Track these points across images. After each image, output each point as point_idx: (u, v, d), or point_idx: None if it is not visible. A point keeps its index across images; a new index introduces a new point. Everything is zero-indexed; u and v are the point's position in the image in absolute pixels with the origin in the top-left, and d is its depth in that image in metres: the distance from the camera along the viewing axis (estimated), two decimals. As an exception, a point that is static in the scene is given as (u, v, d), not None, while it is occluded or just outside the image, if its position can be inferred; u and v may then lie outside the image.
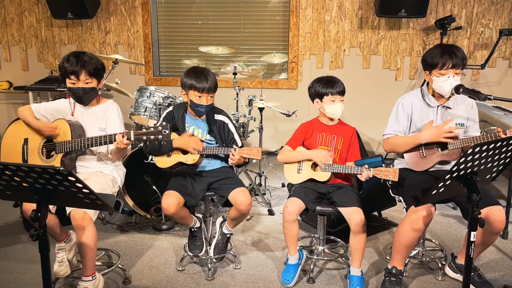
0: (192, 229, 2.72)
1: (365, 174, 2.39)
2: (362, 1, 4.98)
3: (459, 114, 2.54)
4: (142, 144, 3.21)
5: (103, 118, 2.51)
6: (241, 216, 2.60)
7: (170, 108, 2.70)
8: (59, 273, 2.40)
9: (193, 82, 2.52)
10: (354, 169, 2.45)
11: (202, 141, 2.61)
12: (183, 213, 2.57)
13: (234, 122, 2.73)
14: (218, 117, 2.68)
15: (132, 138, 2.25)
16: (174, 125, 2.64)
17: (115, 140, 2.28)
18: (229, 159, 2.51)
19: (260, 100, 3.92)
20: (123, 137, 2.25)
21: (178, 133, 2.61)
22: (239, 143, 2.68)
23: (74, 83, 2.39)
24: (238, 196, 2.49)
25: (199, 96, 2.54)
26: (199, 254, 2.71)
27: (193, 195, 2.55)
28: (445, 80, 2.41)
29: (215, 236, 2.75)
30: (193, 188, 2.56)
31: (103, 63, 2.49)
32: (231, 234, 2.75)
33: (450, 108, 2.53)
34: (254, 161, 2.44)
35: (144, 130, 2.24)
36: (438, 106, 2.53)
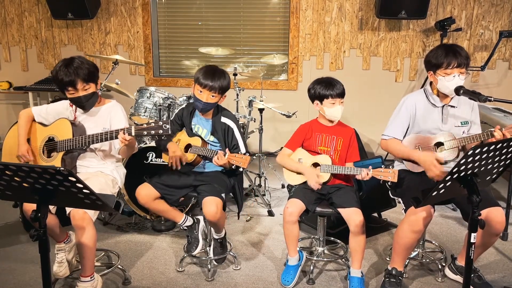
0: (181, 228, 2.73)
1: (363, 173, 2.39)
2: (362, 2, 4.98)
3: (462, 114, 2.54)
4: (143, 145, 3.22)
5: (107, 119, 2.51)
6: (213, 224, 2.57)
7: (183, 106, 2.74)
8: (58, 273, 2.39)
9: (200, 76, 2.55)
10: (353, 170, 2.45)
11: (206, 141, 2.64)
12: (159, 206, 2.59)
13: (240, 128, 2.71)
14: (224, 120, 2.66)
15: (133, 133, 2.26)
16: (183, 122, 2.70)
17: (116, 137, 2.28)
18: (213, 159, 2.50)
19: (260, 101, 3.92)
20: (124, 133, 2.25)
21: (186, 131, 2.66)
22: (243, 150, 2.62)
23: (73, 93, 2.38)
24: (205, 205, 2.45)
25: (200, 91, 2.55)
26: (193, 253, 2.69)
27: (173, 191, 2.59)
28: (451, 80, 2.42)
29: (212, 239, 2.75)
30: (176, 185, 2.60)
31: (94, 63, 2.46)
32: (221, 237, 2.72)
33: (454, 107, 2.53)
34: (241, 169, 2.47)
35: (145, 125, 2.24)
36: (443, 106, 2.53)
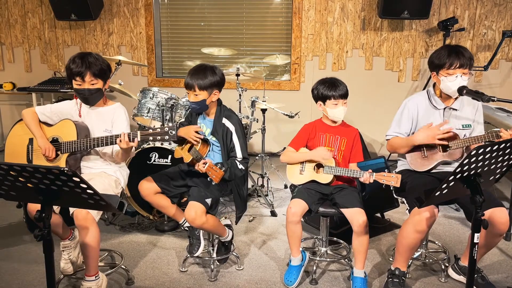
0: (182, 227, 2.75)
1: (365, 176, 2.39)
2: (365, 2, 4.98)
3: (465, 115, 2.54)
4: (146, 145, 3.23)
5: (110, 120, 2.52)
6: (200, 229, 2.59)
7: None
8: (66, 270, 2.42)
9: (186, 78, 2.58)
10: (356, 172, 2.45)
11: (208, 144, 2.62)
12: (160, 201, 2.63)
13: (242, 131, 2.64)
14: (225, 121, 2.60)
15: (139, 138, 2.27)
16: (190, 122, 2.72)
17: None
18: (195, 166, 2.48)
19: (262, 101, 3.93)
20: (129, 137, 2.26)
21: None
22: (239, 155, 2.56)
23: (80, 84, 2.41)
24: (187, 210, 2.44)
25: (187, 92, 2.59)
26: (195, 254, 2.64)
27: (171, 188, 2.63)
28: (453, 80, 2.42)
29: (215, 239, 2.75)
30: (175, 182, 2.64)
31: (109, 63, 2.50)
32: (226, 239, 2.73)
33: (456, 109, 2.53)
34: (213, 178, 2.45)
35: (150, 130, 2.25)
36: (444, 108, 2.53)
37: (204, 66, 2.59)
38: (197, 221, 2.41)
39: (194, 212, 2.40)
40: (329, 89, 2.56)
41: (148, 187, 2.61)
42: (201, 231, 2.71)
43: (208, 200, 2.49)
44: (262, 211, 3.67)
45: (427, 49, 4.98)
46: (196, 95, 2.53)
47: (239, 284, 2.58)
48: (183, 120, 2.78)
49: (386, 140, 2.63)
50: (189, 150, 2.58)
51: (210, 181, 2.45)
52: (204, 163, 2.38)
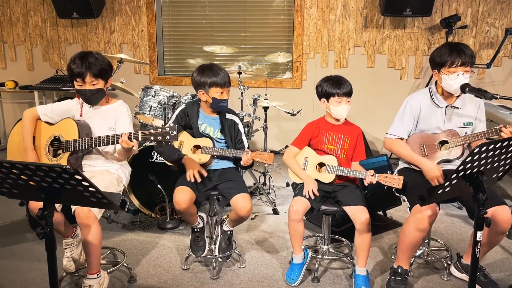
0: (195, 229, 2.71)
1: (368, 179, 2.39)
2: (367, 0, 4.96)
3: (467, 113, 2.53)
4: (148, 143, 3.23)
5: (113, 118, 2.52)
6: (241, 220, 2.61)
7: (183, 106, 2.70)
8: (69, 268, 2.43)
9: (214, 79, 2.53)
10: (358, 173, 2.45)
11: (212, 138, 2.62)
12: (193, 209, 2.57)
13: (243, 122, 2.74)
14: (229, 116, 2.69)
15: (140, 138, 2.26)
16: (187, 123, 2.65)
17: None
18: (241, 162, 2.51)
19: (264, 99, 3.92)
20: (128, 137, 2.26)
21: (191, 132, 2.64)
22: (246, 144, 2.69)
23: (81, 85, 2.41)
24: (239, 202, 2.47)
25: (221, 92, 2.56)
26: (202, 255, 2.68)
27: (201, 192, 2.55)
28: (455, 78, 2.41)
29: (218, 236, 2.75)
30: (201, 186, 2.55)
31: (110, 62, 2.49)
32: (232, 231, 2.74)
33: (458, 108, 2.52)
34: (266, 165, 2.49)
35: (152, 130, 2.24)
36: (446, 106, 2.52)
37: (216, 64, 2.64)
38: (251, 210, 2.49)
39: (249, 202, 2.49)
40: (333, 86, 2.56)
41: (186, 199, 2.43)
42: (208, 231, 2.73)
43: (248, 190, 2.59)
44: (264, 209, 3.67)
45: (430, 46, 4.97)
46: (229, 90, 2.60)
47: (241, 282, 2.58)
48: (171, 124, 2.61)
49: (387, 137, 2.62)
50: (193, 152, 2.59)
51: (260, 165, 2.48)
52: (246, 152, 2.46)
